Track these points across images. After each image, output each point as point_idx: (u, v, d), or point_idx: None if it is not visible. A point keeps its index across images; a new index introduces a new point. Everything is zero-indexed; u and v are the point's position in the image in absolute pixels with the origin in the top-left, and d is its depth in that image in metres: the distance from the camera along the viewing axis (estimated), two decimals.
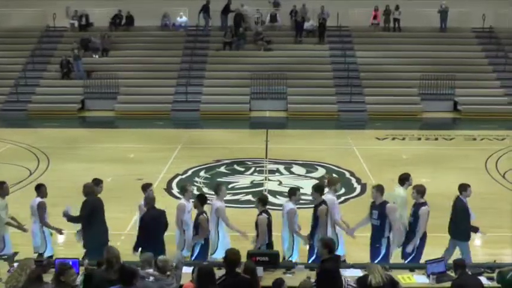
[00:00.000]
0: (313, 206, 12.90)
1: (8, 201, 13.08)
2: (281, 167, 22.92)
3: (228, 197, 18.29)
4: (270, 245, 12.45)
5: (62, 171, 21.92)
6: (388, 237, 12.53)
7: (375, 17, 40.37)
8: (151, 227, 12.32)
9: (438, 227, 13.35)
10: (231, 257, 9.80)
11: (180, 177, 21.38)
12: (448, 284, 10.80)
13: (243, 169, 22.71)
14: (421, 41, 39.09)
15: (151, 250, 10.98)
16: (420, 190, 12.77)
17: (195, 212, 12.74)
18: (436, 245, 13.15)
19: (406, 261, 12.60)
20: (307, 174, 21.93)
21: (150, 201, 12.53)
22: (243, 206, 18.17)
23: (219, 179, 20.97)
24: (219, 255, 12.60)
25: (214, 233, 12.94)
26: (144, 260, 10.30)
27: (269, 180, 21.13)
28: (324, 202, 12.73)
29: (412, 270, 11.55)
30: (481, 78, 36.80)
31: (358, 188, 20.29)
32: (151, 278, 9.83)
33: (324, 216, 12.61)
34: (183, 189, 13.40)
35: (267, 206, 12.71)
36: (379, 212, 12.45)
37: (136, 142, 27.16)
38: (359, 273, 11.08)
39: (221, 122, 31.87)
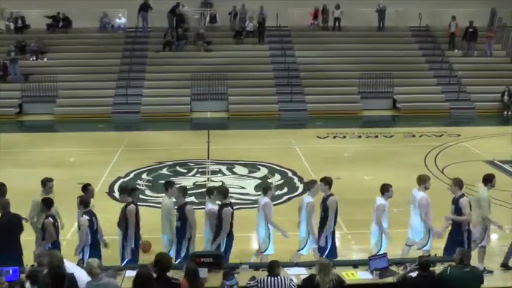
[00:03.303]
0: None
1: None
2: (223, 168, 22.93)
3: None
4: (93, 245, 12.40)
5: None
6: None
7: (315, 17, 40.59)
8: (8, 230, 12.30)
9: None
10: (163, 261, 9.83)
11: (122, 180, 21.19)
12: (391, 279, 10.99)
13: (185, 170, 22.64)
14: (360, 40, 39.48)
15: (8, 253, 11.35)
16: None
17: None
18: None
19: None
20: (249, 174, 21.99)
21: (4, 206, 12.50)
22: None
23: (161, 181, 20.84)
24: (271, 251, 13.12)
25: (265, 229, 13.13)
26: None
27: (212, 181, 21.10)
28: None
29: (355, 266, 11.68)
30: (418, 76, 37.40)
31: (301, 187, 20.41)
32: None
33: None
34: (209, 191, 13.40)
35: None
36: None
37: (76, 146, 26.79)
38: (303, 271, 11.15)
39: (162, 124, 31.71)
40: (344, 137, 28.65)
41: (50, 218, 12.30)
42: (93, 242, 12.40)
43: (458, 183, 12.92)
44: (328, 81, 36.39)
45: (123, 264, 12.36)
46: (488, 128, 30.65)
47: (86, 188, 13.29)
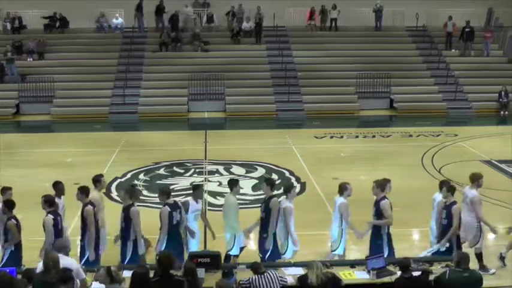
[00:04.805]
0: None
1: None
2: (220, 168, 22.91)
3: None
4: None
5: None
6: None
7: (311, 17, 40.54)
8: None
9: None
10: (164, 259, 9.91)
11: (119, 180, 21.17)
12: (388, 278, 10.99)
13: (182, 171, 22.62)
14: (357, 40, 39.53)
15: None
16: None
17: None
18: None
19: None
20: (246, 174, 21.96)
21: None
22: None
23: (158, 181, 20.86)
24: (288, 255, 13.02)
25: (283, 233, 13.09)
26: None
27: (209, 181, 21.09)
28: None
29: (352, 266, 11.68)
30: (415, 75, 37.44)
31: (298, 187, 20.39)
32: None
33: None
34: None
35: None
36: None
37: (73, 146, 26.76)
38: (300, 271, 11.15)
39: (159, 124, 31.70)
40: (341, 137, 28.66)
41: (12, 220, 12.22)
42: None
43: (380, 185, 12.83)
44: (326, 81, 36.41)
45: (81, 263, 12.32)
46: (485, 128, 30.71)
47: (56, 185, 13.34)
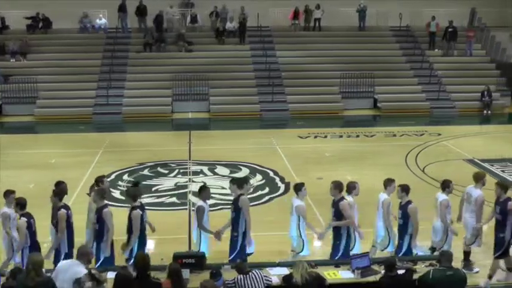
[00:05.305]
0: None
1: None
2: (205, 168, 22.88)
3: (152, 200, 18.21)
4: (32, 247, 12.24)
5: None
6: None
7: (295, 17, 40.53)
8: None
9: (363, 224, 13.53)
10: (140, 261, 9.90)
11: None
12: (372, 278, 11.03)
13: (166, 171, 22.57)
14: (341, 40, 39.63)
15: None
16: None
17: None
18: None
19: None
20: (230, 175, 21.90)
21: None
22: (168, 208, 18.13)
23: (143, 182, 20.80)
24: (306, 253, 13.01)
25: (296, 231, 13.03)
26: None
27: (193, 181, 21.05)
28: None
29: (337, 266, 11.71)
30: (399, 75, 37.57)
31: (282, 187, 20.42)
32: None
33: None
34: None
35: None
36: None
37: (57, 147, 26.63)
38: (285, 271, 11.16)
39: (143, 125, 31.61)
40: (325, 136, 28.71)
41: None
42: (32, 244, 12.25)
43: (338, 186, 12.87)
44: (310, 81, 36.46)
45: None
46: (469, 127, 30.91)
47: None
